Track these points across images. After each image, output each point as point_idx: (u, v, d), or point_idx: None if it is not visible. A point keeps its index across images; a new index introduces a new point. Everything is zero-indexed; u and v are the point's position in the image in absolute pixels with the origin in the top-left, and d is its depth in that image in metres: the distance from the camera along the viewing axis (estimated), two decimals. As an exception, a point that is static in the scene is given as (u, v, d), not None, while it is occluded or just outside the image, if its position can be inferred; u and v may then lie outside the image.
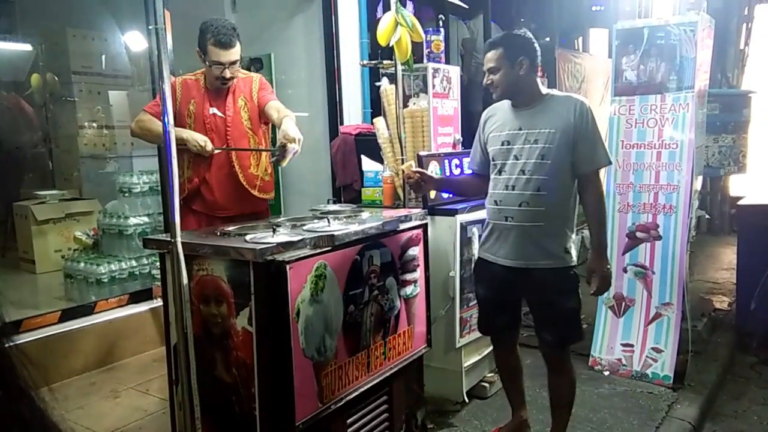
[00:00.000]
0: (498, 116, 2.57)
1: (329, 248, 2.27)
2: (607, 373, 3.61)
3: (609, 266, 2.51)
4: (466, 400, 3.15)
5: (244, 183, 2.92)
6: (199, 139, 2.78)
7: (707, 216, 6.68)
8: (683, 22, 3.46)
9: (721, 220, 7.83)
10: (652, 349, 3.54)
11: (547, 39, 6.84)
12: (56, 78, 6.08)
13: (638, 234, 3.63)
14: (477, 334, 3.08)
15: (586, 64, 6.71)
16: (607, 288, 2.53)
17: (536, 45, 2.48)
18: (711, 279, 5.80)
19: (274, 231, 2.28)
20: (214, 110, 2.89)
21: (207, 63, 2.77)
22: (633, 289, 3.65)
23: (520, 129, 2.45)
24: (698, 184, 3.83)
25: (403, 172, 2.72)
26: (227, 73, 2.78)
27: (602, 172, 4.38)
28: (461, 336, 3.07)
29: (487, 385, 3.27)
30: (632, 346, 3.60)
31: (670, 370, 3.46)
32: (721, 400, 3.52)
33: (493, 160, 2.54)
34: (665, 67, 3.52)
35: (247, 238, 2.22)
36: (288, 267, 2.08)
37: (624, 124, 3.65)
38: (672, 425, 3.03)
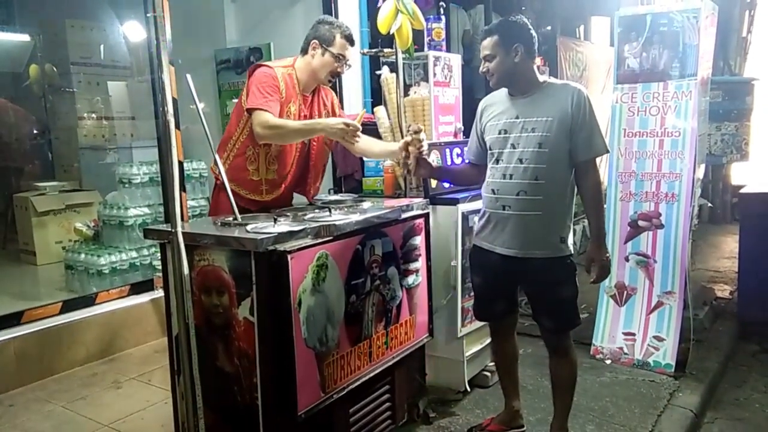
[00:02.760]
0: (495, 105, 2.55)
1: (330, 238, 2.27)
2: (608, 361, 3.61)
3: (608, 254, 2.51)
4: (468, 389, 3.15)
5: (306, 198, 2.95)
6: (335, 123, 2.64)
7: (709, 204, 6.66)
8: (686, 8, 3.43)
9: (723, 208, 7.82)
10: (654, 337, 3.54)
11: (548, 27, 6.79)
12: (55, 69, 6.04)
13: (640, 223, 3.62)
14: (478, 324, 3.07)
15: (587, 53, 6.67)
16: (606, 276, 2.54)
17: (532, 31, 2.46)
18: (713, 268, 5.80)
19: (275, 221, 2.27)
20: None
21: (327, 55, 2.71)
22: (635, 277, 3.65)
23: (518, 117, 2.44)
24: (701, 172, 3.81)
25: (408, 143, 2.61)
26: (344, 70, 2.80)
27: (602, 161, 4.36)
28: (463, 325, 3.07)
29: (488, 374, 3.27)
30: (634, 334, 3.60)
31: (672, 358, 3.46)
32: (723, 388, 3.52)
33: (491, 149, 2.52)
34: (668, 54, 3.50)
35: (248, 228, 2.22)
36: (289, 257, 2.08)
37: (626, 112, 3.63)
38: (674, 413, 3.03)
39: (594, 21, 7.84)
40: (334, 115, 2.93)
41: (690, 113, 3.44)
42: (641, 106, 3.58)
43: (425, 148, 2.63)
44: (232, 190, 2.62)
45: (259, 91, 2.60)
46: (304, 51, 2.78)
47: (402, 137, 3.11)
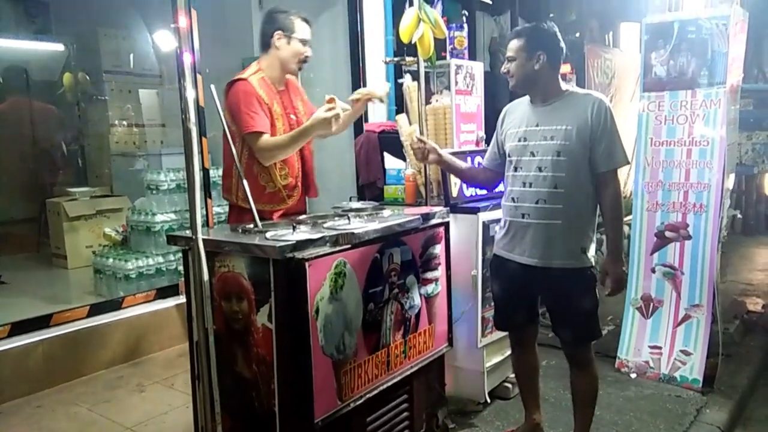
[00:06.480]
0: (517, 112, 2.55)
1: (349, 246, 2.27)
2: (633, 375, 3.54)
3: (625, 268, 2.48)
4: (488, 400, 3.12)
5: (311, 195, 2.97)
6: (319, 118, 2.61)
7: (740, 215, 6.52)
8: (715, 15, 3.37)
9: (756, 219, 7.62)
10: (681, 351, 3.46)
11: (577, 35, 6.74)
12: (88, 77, 6.20)
13: (667, 233, 3.55)
14: (499, 334, 3.04)
15: (616, 60, 6.57)
16: (621, 290, 2.49)
17: (561, 42, 2.44)
18: (745, 280, 5.65)
19: (294, 228, 2.28)
20: (291, 114, 2.84)
21: (294, 42, 2.74)
22: (661, 289, 3.57)
23: (537, 125, 2.42)
24: (730, 182, 3.72)
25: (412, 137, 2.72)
26: (310, 52, 2.82)
27: (629, 169, 4.27)
28: (483, 336, 3.04)
29: (509, 385, 3.24)
30: (660, 348, 3.52)
31: (699, 373, 3.37)
32: (753, 404, 3.43)
33: (509, 156, 2.51)
34: (696, 62, 3.43)
35: (268, 235, 2.23)
36: (307, 264, 2.08)
37: (653, 121, 3.57)
38: (701, 430, 2.96)
39: (623, 27, 7.73)
40: (306, 105, 2.96)
41: (719, 122, 3.36)
42: (668, 114, 3.52)
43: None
44: (258, 211, 2.62)
45: (246, 112, 2.61)
46: (267, 46, 2.77)
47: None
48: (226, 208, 4.95)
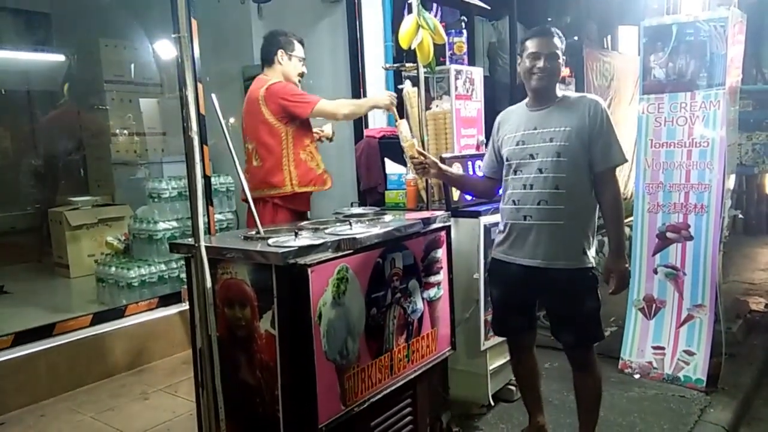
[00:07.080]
0: (512, 119, 2.57)
1: (351, 251, 2.27)
2: (637, 376, 3.54)
3: (627, 265, 2.49)
4: (492, 403, 3.12)
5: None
6: (383, 98, 3.29)
7: (741, 216, 6.53)
8: (713, 17, 3.39)
9: (757, 219, 7.63)
10: (684, 351, 3.46)
11: (575, 38, 6.75)
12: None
13: (669, 234, 3.55)
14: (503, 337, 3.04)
15: (615, 63, 6.59)
16: (624, 287, 2.51)
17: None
18: (747, 280, 5.65)
19: (296, 234, 2.29)
20: None
21: (295, 59, 3.24)
22: (664, 290, 3.58)
23: (535, 128, 2.44)
24: (731, 182, 3.73)
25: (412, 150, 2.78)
26: (305, 69, 3.35)
27: (630, 170, 4.27)
28: (486, 339, 3.04)
29: (513, 388, 3.24)
30: (663, 348, 3.53)
31: (703, 373, 3.38)
32: (758, 403, 3.43)
33: (508, 161, 2.52)
34: (695, 64, 3.45)
35: (270, 241, 2.24)
36: (310, 270, 2.09)
37: (653, 123, 3.58)
38: (705, 430, 2.96)
39: (622, 30, 7.75)
40: None
41: (718, 123, 3.38)
42: (668, 116, 3.53)
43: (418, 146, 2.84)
44: (310, 194, 3.23)
45: (300, 96, 3.12)
46: (271, 62, 3.20)
47: (424, 150, 3.12)
48: (228, 215, 5.01)
